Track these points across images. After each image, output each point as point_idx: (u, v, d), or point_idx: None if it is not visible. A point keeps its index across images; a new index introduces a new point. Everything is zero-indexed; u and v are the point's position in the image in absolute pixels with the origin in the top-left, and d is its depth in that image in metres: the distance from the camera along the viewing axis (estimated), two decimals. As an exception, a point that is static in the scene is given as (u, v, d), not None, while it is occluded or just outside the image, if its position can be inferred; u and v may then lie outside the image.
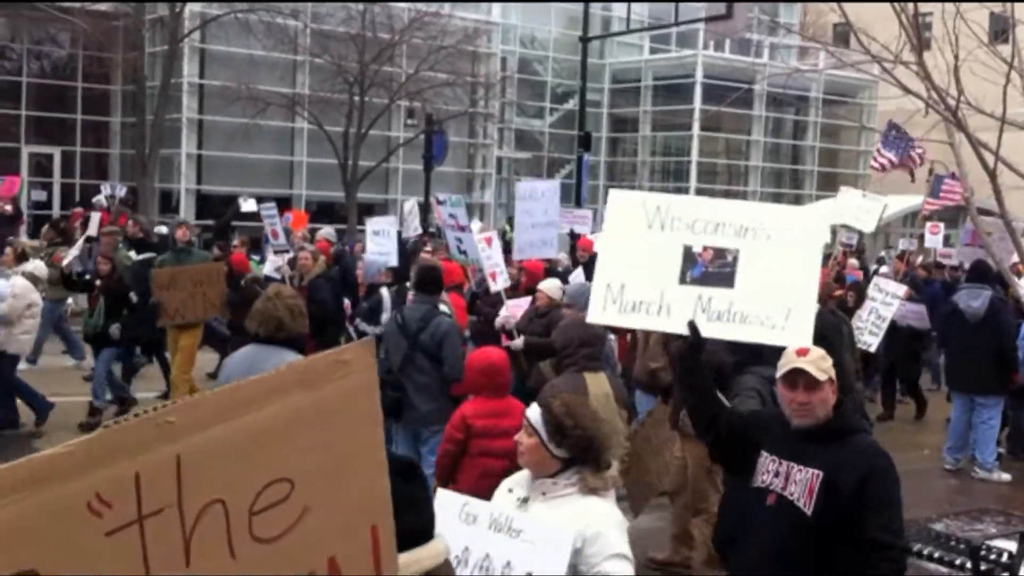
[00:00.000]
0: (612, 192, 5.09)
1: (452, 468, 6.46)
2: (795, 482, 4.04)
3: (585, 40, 29.18)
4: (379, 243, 12.47)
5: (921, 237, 21.35)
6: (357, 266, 12.12)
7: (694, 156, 36.48)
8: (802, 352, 4.19)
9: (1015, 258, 12.40)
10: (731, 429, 4.48)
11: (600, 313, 4.88)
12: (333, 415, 1.86)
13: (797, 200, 38.32)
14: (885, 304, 11.31)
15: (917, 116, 10.40)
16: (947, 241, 21.17)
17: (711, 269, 4.87)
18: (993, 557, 6.72)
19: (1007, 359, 10.50)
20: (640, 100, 38.54)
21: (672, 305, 4.72)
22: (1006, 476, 10.56)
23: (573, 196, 29.43)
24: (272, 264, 13.06)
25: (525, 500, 3.71)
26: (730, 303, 4.71)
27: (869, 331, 11.24)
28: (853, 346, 9.73)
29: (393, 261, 12.05)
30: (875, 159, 18.43)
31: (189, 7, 27.94)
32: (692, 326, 4.60)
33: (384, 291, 10.18)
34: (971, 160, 9.56)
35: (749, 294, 4.73)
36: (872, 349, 11.06)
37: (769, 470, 4.19)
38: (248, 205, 19.60)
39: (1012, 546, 6.77)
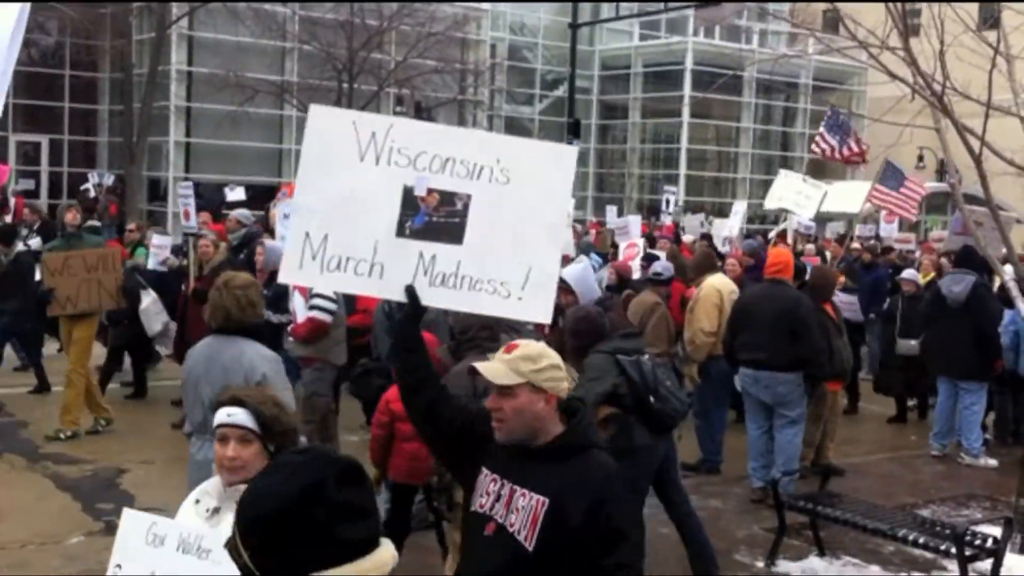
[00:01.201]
0: (313, 107, 3.97)
1: (384, 453, 6.58)
2: (517, 510, 3.27)
3: (574, 27, 29.16)
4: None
5: (874, 222, 21.03)
6: None
7: (684, 143, 36.46)
8: (510, 347, 3.43)
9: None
10: (453, 425, 3.60)
11: (295, 271, 3.87)
12: None
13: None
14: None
15: (903, 102, 10.40)
16: (902, 227, 20.53)
17: (436, 219, 3.87)
18: (978, 542, 6.75)
19: (989, 345, 10.52)
20: (630, 87, 38.49)
21: (387, 264, 3.83)
22: (992, 462, 10.60)
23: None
24: (156, 255, 12.15)
25: (217, 511, 3.33)
26: (457, 263, 3.86)
27: None
28: (841, 331, 9.67)
29: None
30: (816, 143, 17.77)
31: (176, -6, 27.80)
32: (410, 291, 3.80)
33: None
34: (957, 146, 9.57)
35: (480, 252, 3.87)
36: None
37: (490, 492, 3.38)
38: (235, 194, 19.52)
39: (997, 531, 6.81)
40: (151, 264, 12.17)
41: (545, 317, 4.00)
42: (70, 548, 7.30)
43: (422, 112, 28.73)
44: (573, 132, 28.75)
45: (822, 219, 22.12)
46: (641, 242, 14.39)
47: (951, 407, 10.80)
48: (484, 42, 34.12)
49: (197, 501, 3.40)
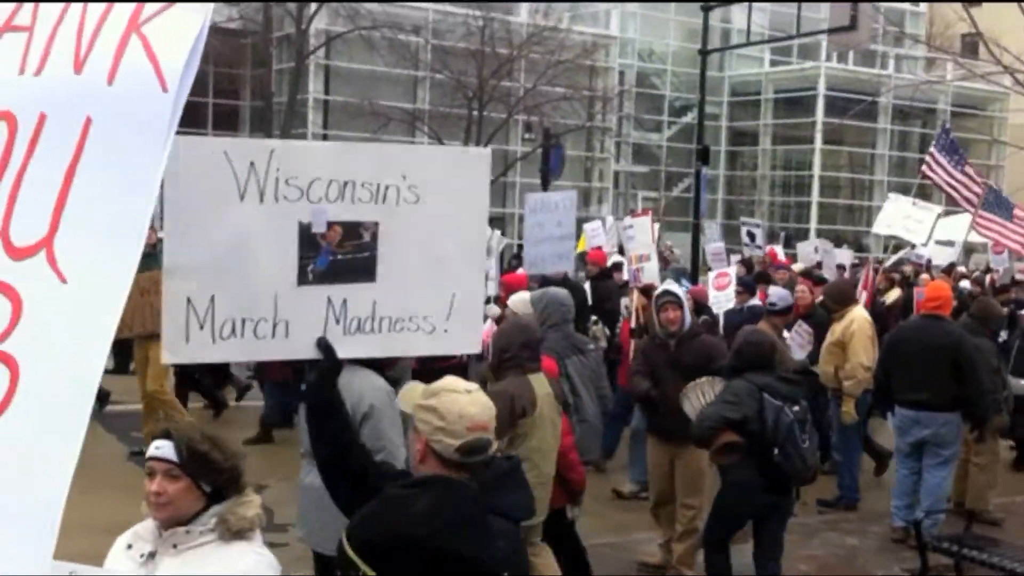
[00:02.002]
0: (179, 139, 2.42)
1: None
2: None
3: (704, 53, 28.88)
4: None
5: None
6: None
7: (816, 170, 35.84)
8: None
9: None
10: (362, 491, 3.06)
11: (181, 348, 3.19)
12: None
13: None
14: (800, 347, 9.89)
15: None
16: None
17: (341, 256, 3.34)
18: None
19: None
20: (760, 113, 38.06)
21: (292, 319, 3.28)
22: None
23: (691, 210, 29.16)
24: None
25: (152, 555, 2.98)
26: (373, 304, 3.40)
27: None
28: (991, 365, 9.25)
29: None
30: (929, 166, 16.63)
31: (315, 24, 28.70)
32: (324, 345, 3.33)
33: None
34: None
35: (397, 287, 3.41)
36: None
37: None
38: None
39: None
40: None
41: (474, 347, 3.67)
42: None
43: (551, 139, 28.92)
44: (702, 159, 28.46)
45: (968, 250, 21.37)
46: (733, 270, 13.98)
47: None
48: (613, 69, 34.21)
49: (129, 546, 3.03)
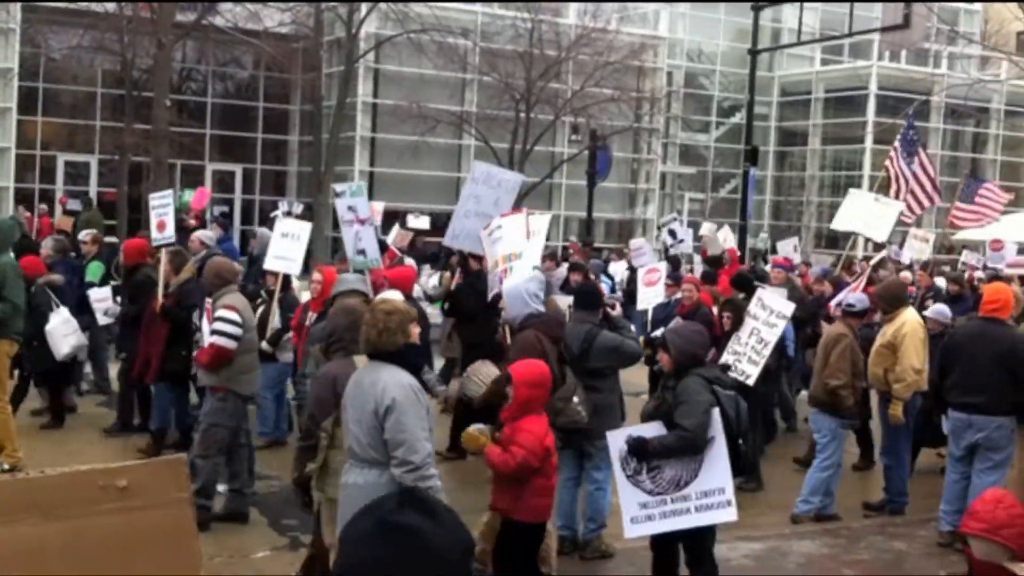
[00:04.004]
0: None
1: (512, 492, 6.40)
2: None
3: (754, 52, 28.75)
4: (285, 248, 10.57)
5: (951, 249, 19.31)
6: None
7: (866, 170, 35.38)
8: None
9: None
10: None
11: None
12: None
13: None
14: (769, 325, 9.43)
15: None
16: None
17: None
18: None
19: None
20: (810, 113, 37.69)
21: None
22: None
23: (738, 211, 28.98)
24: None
25: None
26: None
27: (748, 358, 9.38)
28: None
29: (296, 270, 10.59)
30: (891, 160, 16.13)
31: (365, 29, 28.92)
32: None
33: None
34: None
35: None
36: (750, 382, 9.20)
37: None
38: (419, 222, 20.11)
39: None
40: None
41: None
42: (257, 562, 7.62)
43: (597, 140, 28.89)
44: (751, 159, 28.30)
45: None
46: (664, 266, 13.73)
47: None
48: (661, 70, 34.08)
49: None
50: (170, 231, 10.62)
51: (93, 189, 29.42)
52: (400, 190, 29.97)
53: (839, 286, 12.99)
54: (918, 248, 17.24)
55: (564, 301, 10.31)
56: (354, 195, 10.01)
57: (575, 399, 7.15)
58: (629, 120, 31.66)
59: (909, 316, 9.42)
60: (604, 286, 11.36)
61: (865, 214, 13.84)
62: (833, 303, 11.66)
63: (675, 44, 35.57)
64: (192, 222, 18.49)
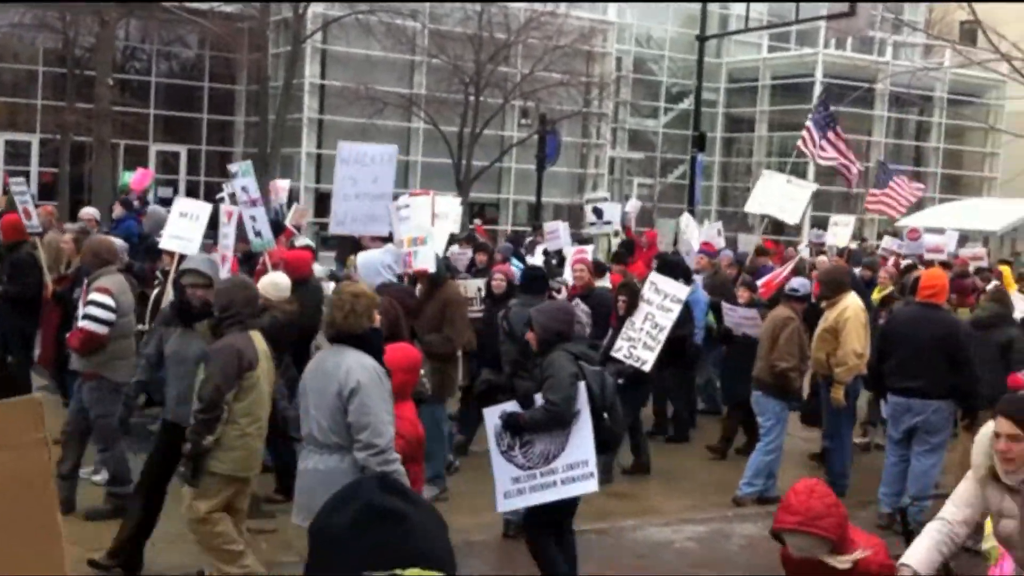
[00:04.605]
0: None
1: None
2: None
3: (702, 39, 28.92)
4: (183, 228, 9.77)
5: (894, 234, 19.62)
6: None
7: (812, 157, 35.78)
8: None
9: None
10: None
11: None
12: None
13: (919, 204, 37.25)
14: (663, 310, 9.28)
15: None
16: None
17: None
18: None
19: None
20: (757, 100, 37.99)
21: None
22: None
23: (686, 197, 29.16)
24: None
25: None
26: None
27: (643, 344, 9.18)
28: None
29: (193, 250, 9.69)
30: (804, 141, 16.36)
31: (312, 9, 28.61)
32: None
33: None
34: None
35: None
36: (647, 368, 9.12)
37: None
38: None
39: None
40: None
41: None
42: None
43: (547, 124, 28.89)
44: (698, 145, 28.48)
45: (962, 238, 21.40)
46: (590, 249, 13.70)
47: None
48: (610, 55, 34.12)
49: None
50: (35, 219, 10.33)
51: (34, 169, 28.87)
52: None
53: (759, 271, 13.00)
54: (840, 234, 17.40)
55: (473, 284, 10.28)
56: (245, 175, 9.71)
57: (420, 371, 7.11)
58: (578, 105, 31.68)
59: (851, 301, 9.53)
60: (514, 270, 11.33)
61: (778, 196, 13.82)
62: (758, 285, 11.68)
63: (624, 29, 35.63)
64: (135, 204, 18.16)
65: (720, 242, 16.04)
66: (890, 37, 35.97)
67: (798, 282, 10.01)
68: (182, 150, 31.83)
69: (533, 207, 29.70)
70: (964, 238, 23.63)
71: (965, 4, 12.08)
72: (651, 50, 37.31)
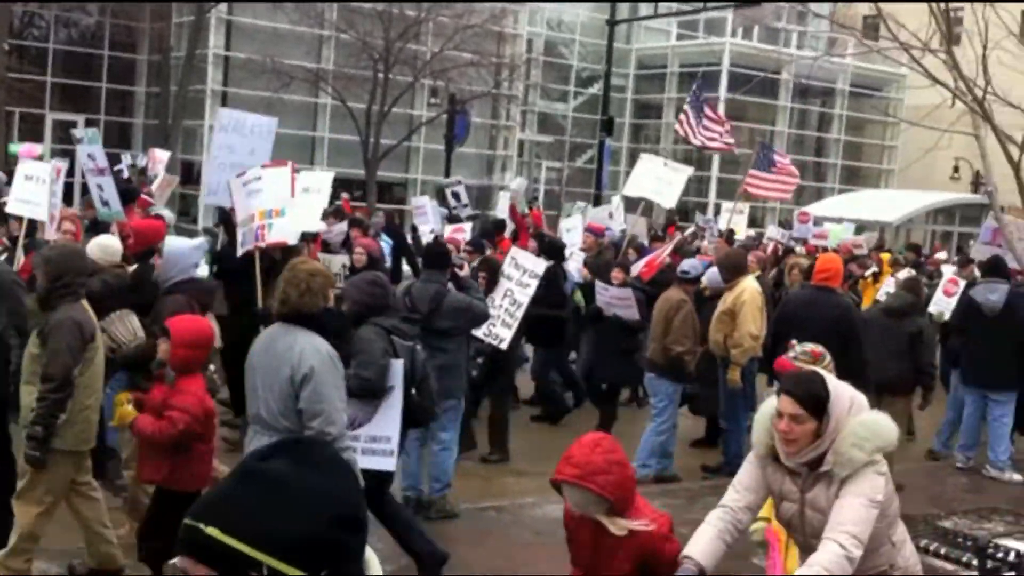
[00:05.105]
0: None
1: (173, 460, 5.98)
2: None
3: (612, 23, 29.06)
4: (29, 191, 9.21)
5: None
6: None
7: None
8: None
9: None
10: None
11: None
12: None
13: (819, 194, 38.08)
14: (522, 286, 9.09)
15: (942, 108, 10.31)
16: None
17: None
18: (1000, 556, 6.65)
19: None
20: (665, 86, 38.34)
21: None
22: (1018, 476, 10.45)
23: (594, 182, 29.32)
24: None
25: None
26: None
27: (502, 321, 8.98)
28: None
29: (42, 215, 9.20)
30: (680, 123, 16.69)
31: (217, -22, 27.95)
32: None
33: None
34: (996, 153, 9.47)
35: None
36: (504, 345, 9.02)
37: None
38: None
39: (1020, 546, 6.71)
40: None
41: None
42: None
43: (456, 104, 28.72)
44: (606, 130, 28.67)
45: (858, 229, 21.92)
46: (468, 227, 13.61)
47: (979, 418, 10.66)
48: (521, 37, 34.05)
49: None
50: None
51: (-79, 135, 27.70)
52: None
53: (641, 252, 13.06)
54: (735, 221, 17.60)
55: (337, 260, 10.09)
56: (92, 142, 9.28)
57: (211, 366, 6.92)
58: (488, 86, 31.55)
59: (748, 284, 9.66)
60: (384, 245, 11.18)
61: (654, 180, 13.86)
62: (635, 268, 11.67)
63: (535, 11, 35.58)
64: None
65: (615, 224, 15.98)
66: (795, 28, 36.62)
67: (689, 264, 10.10)
68: (80, 119, 30.81)
69: (439, 188, 29.51)
70: (861, 228, 24.23)
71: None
72: (562, 34, 37.36)
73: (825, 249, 16.12)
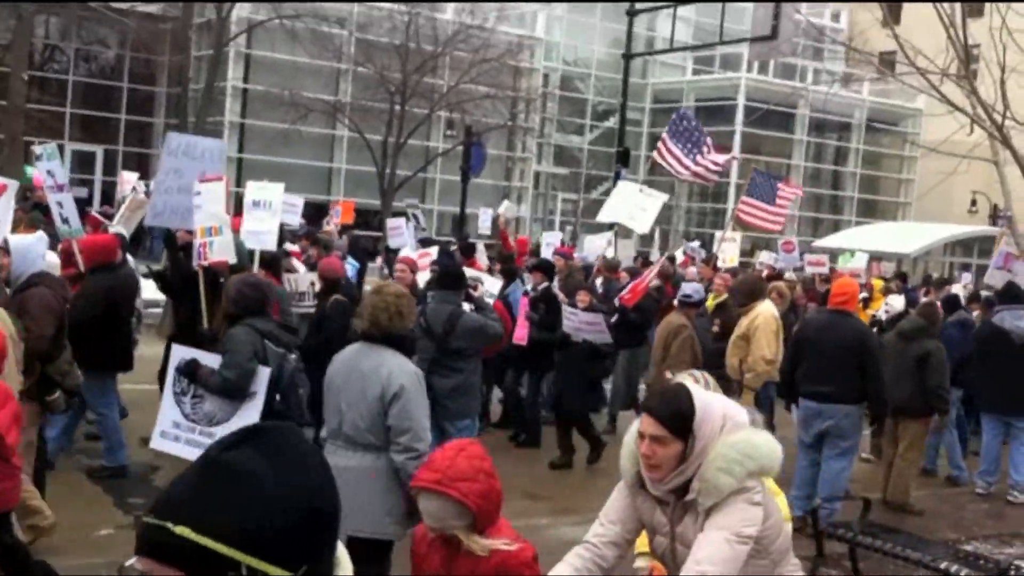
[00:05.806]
0: None
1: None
2: None
3: (628, 57, 29.14)
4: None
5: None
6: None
7: (733, 178, 36.28)
8: None
9: None
10: None
11: None
12: None
13: (836, 226, 38.02)
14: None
15: (960, 135, 10.27)
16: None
17: None
18: (1023, 578, 6.56)
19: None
20: (681, 120, 38.45)
21: None
22: (1040, 503, 10.32)
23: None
24: None
25: None
26: None
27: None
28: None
29: (3, 231, 8.37)
30: (659, 152, 16.51)
31: (236, 12, 28.24)
32: None
33: None
34: (1015, 180, 9.43)
35: None
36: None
37: None
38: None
39: (1044, 568, 6.61)
40: None
41: None
42: (99, 540, 7.29)
43: (472, 136, 28.86)
44: (622, 161, 28.65)
45: (874, 259, 21.83)
46: (435, 250, 13.61)
47: (999, 444, 10.55)
48: (537, 71, 34.27)
49: None
50: None
51: (-59, 165, 27.95)
52: (270, 178, 29.27)
53: (634, 277, 13.00)
54: (727, 250, 17.53)
55: (305, 279, 10.05)
56: (51, 159, 9.20)
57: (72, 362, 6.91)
58: (504, 118, 31.72)
59: (763, 309, 9.61)
60: (350, 268, 11.11)
61: (630, 205, 13.84)
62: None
63: (552, 47, 35.84)
64: (40, 195, 17.65)
65: (610, 252, 15.93)
66: (811, 64, 36.72)
67: (692, 288, 10.08)
68: (98, 150, 31.13)
69: (457, 218, 29.62)
70: (876, 259, 24.12)
71: (884, 22, 12.38)
72: (578, 68, 37.59)
73: (829, 275, 16.06)
